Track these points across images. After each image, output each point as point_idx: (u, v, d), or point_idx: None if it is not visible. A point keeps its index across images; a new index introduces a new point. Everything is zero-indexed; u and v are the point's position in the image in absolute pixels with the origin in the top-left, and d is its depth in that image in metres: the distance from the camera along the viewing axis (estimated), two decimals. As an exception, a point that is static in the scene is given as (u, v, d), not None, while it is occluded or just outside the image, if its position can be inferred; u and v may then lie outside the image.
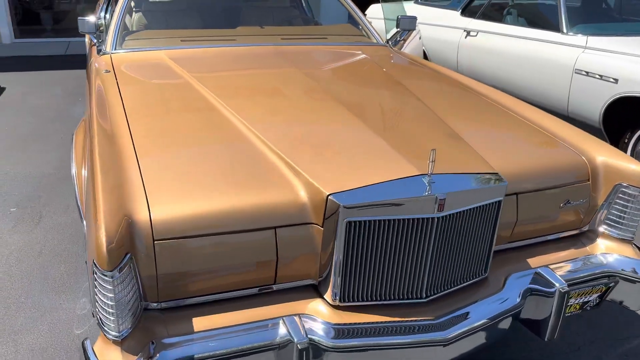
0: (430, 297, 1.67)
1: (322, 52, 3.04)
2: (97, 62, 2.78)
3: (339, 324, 1.55)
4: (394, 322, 1.59)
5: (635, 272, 1.92)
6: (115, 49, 2.92)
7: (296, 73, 2.51)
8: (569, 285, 1.81)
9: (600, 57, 3.70)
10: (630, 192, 1.90)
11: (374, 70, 2.74)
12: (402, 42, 4.03)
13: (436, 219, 1.55)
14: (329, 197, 1.51)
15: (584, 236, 2.04)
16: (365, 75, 2.64)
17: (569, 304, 1.91)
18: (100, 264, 1.30)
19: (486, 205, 1.64)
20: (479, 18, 5.04)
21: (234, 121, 1.97)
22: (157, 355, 1.40)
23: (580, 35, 3.95)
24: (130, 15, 3.58)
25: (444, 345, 1.57)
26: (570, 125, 2.20)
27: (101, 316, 1.38)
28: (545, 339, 1.79)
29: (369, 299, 1.63)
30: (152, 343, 1.43)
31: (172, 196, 1.51)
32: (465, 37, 5.08)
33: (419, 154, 1.70)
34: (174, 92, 2.30)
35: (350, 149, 1.75)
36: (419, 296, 1.65)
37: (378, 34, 3.51)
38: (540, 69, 4.19)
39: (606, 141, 3.84)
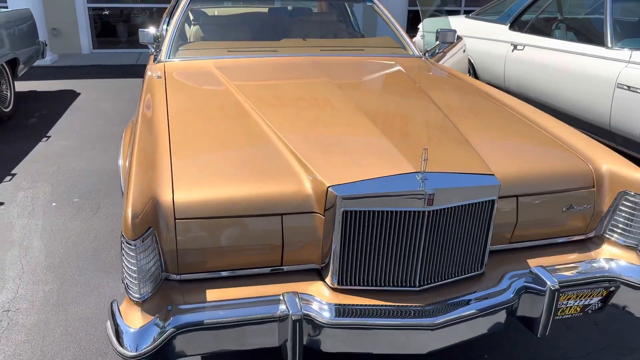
0: (424, 287, 1.80)
1: (356, 62, 3.22)
2: (152, 69, 3.10)
3: (334, 304, 1.72)
4: (385, 305, 1.74)
5: (637, 278, 1.96)
6: (168, 58, 3.24)
7: (326, 81, 2.70)
8: (565, 287, 1.90)
9: (643, 72, 3.66)
10: (635, 199, 1.95)
11: (401, 80, 2.89)
12: (440, 54, 4.15)
13: (426, 213, 1.69)
14: (329, 188, 1.68)
15: (590, 242, 2.10)
16: (391, 84, 2.80)
17: (568, 305, 1.98)
18: (126, 234, 1.54)
19: (478, 203, 1.76)
20: (526, 32, 5.06)
21: (261, 123, 2.19)
22: (172, 318, 1.62)
23: (624, 49, 3.92)
24: (189, 27, 3.93)
25: (432, 330, 1.70)
26: (581, 133, 2.26)
27: (127, 280, 1.62)
28: (538, 335, 1.88)
29: (366, 284, 1.78)
30: (169, 307, 1.65)
31: (195, 183, 1.74)
32: (512, 51, 5.11)
33: (419, 154, 1.84)
34: (214, 96, 2.56)
35: (357, 148, 1.92)
36: (413, 285, 1.79)
37: (415, 46, 3.65)
38: (583, 83, 4.17)
39: (648, 157, 3.78)
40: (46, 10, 8.92)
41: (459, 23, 6.22)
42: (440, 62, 4.42)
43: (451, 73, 3.19)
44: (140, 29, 3.58)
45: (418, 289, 1.80)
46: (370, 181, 1.69)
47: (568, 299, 1.96)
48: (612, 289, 1.98)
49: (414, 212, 1.69)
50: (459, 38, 4.84)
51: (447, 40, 3.81)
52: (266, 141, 2.04)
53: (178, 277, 1.73)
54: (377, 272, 1.77)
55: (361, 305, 1.73)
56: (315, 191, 1.73)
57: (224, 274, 1.78)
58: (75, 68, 8.40)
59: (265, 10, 4.12)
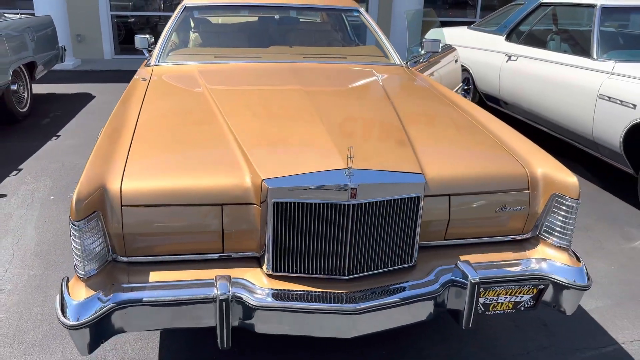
0: (353, 276, 1.93)
1: (333, 69, 3.37)
2: (140, 72, 3.31)
3: (265, 288, 1.86)
4: (312, 291, 1.87)
5: (565, 278, 2.05)
6: (158, 62, 3.45)
7: (296, 86, 2.85)
8: (491, 282, 2.00)
9: (622, 83, 3.71)
10: (565, 202, 2.05)
11: (370, 86, 3.03)
12: (425, 63, 4.26)
13: (350, 206, 1.82)
14: (263, 181, 1.83)
15: (527, 242, 2.19)
16: (359, 90, 2.94)
17: (499, 301, 2.08)
18: (71, 215, 1.72)
19: (402, 199, 1.89)
20: (521, 43, 5.13)
21: (222, 123, 2.35)
22: (112, 294, 1.79)
23: (609, 61, 3.97)
24: (191, 34, 4.15)
25: (353, 314, 1.82)
26: (526, 139, 2.36)
27: (74, 258, 1.80)
28: (462, 327, 1.98)
29: (298, 271, 1.92)
30: (112, 285, 1.82)
31: (143, 173, 1.91)
32: (507, 61, 5.19)
33: (356, 153, 1.98)
34: (188, 97, 2.74)
35: (300, 146, 2.06)
36: (342, 273, 1.92)
37: (397, 56, 3.78)
38: (569, 94, 4.23)
39: (628, 167, 3.81)
40: (71, 17, 9.34)
41: (460, 34, 6.32)
42: (431, 71, 4.53)
43: (425, 82, 3.30)
44: (136, 35, 3.82)
45: (347, 277, 1.92)
46: (300, 175, 1.83)
47: (498, 295, 2.06)
48: (541, 287, 2.07)
49: (339, 204, 1.82)
50: (452, 48, 4.94)
51: (431, 49, 3.94)
52: (222, 139, 2.19)
53: (126, 259, 1.90)
54: (309, 261, 1.90)
55: (290, 290, 1.87)
56: (254, 184, 1.88)
57: (169, 258, 1.94)
58: (95, 72, 8.77)
59: (276, 17, 4.31)
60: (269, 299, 1.84)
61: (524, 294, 2.09)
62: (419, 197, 1.91)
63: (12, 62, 5.29)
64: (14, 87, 5.53)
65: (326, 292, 1.87)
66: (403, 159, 2.01)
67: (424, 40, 3.95)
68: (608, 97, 3.79)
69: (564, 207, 2.06)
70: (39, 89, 7.15)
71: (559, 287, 2.05)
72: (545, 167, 2.13)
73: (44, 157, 4.70)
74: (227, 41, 3.96)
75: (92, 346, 1.80)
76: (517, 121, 6.01)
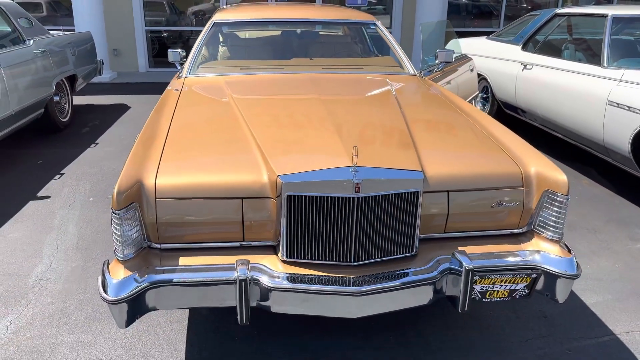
0: (359, 263, 2.15)
1: (350, 79, 3.61)
2: (173, 83, 3.62)
3: (279, 272, 2.10)
4: (322, 275, 2.10)
5: (557, 267, 2.22)
6: (189, 74, 3.75)
7: (314, 95, 3.10)
8: (486, 270, 2.19)
9: (631, 90, 3.85)
10: (556, 198, 2.23)
11: (383, 94, 3.25)
12: (440, 73, 4.46)
13: (355, 199, 2.05)
14: (278, 177, 2.08)
15: (522, 236, 2.37)
16: (372, 97, 3.17)
17: (495, 289, 2.27)
18: (112, 205, 2.00)
19: (402, 193, 2.10)
20: (536, 52, 5.28)
21: (244, 127, 2.60)
22: (147, 275, 2.05)
23: (619, 69, 4.10)
24: (221, 48, 4.46)
25: (357, 296, 2.04)
26: (522, 141, 2.55)
27: (114, 243, 2.07)
28: (459, 311, 2.17)
29: (310, 257, 2.15)
30: (147, 267, 2.08)
31: (175, 171, 2.17)
32: (522, 70, 5.34)
33: (361, 152, 2.21)
34: (216, 105, 3.02)
35: (312, 147, 2.30)
36: (349, 260, 2.14)
37: (411, 66, 4.00)
38: (580, 101, 4.37)
39: (637, 171, 3.93)
40: (108, 32, 9.85)
41: (478, 43, 6.49)
42: (446, 80, 4.73)
43: (436, 90, 3.51)
44: (169, 50, 4.14)
45: (354, 264, 2.15)
46: (311, 172, 2.07)
47: (493, 283, 2.25)
48: (534, 276, 2.25)
49: (345, 197, 2.05)
50: (467, 57, 5.13)
51: (445, 59, 4.15)
52: (244, 142, 2.45)
53: (159, 246, 2.17)
54: (319, 248, 2.13)
55: (302, 274, 2.10)
56: (270, 180, 2.13)
57: (197, 245, 2.20)
58: (130, 85, 9.23)
59: (297, 31, 4.59)
60: (283, 282, 2.07)
61: (518, 282, 2.27)
62: (417, 192, 2.12)
63: (55, 75, 5.71)
64: (56, 99, 5.95)
65: (334, 275, 2.10)
66: (405, 158, 2.23)
67: (437, 50, 4.16)
68: (617, 103, 3.92)
69: (555, 203, 2.24)
70: (78, 100, 7.60)
71: (551, 277, 2.23)
72: (538, 166, 2.31)
73: (84, 162, 5.06)
74: (253, 54, 4.25)
75: (129, 320, 2.06)
76: (534, 129, 6.14)
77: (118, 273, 2.05)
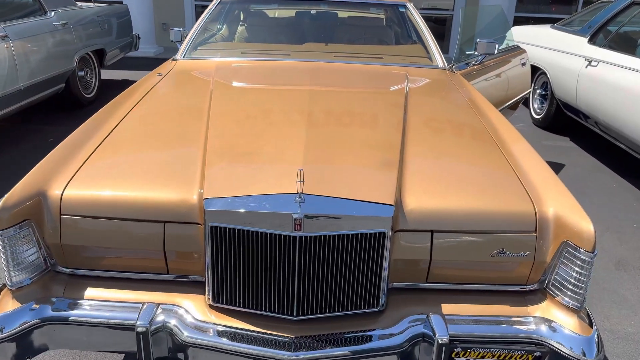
0: (302, 317, 1.67)
1: (358, 70, 3.07)
2: (161, 67, 3.22)
3: (198, 320, 1.66)
4: (252, 331, 1.64)
5: (569, 347, 1.65)
6: (184, 57, 3.34)
7: (306, 89, 2.59)
8: (475, 342, 1.66)
9: None
10: (577, 254, 1.64)
11: (390, 92, 2.70)
12: (479, 66, 3.80)
13: (297, 238, 1.56)
14: (204, 200, 1.63)
15: (531, 294, 1.80)
16: (374, 96, 2.63)
17: (484, 364, 1.73)
18: (-4, 224, 1.62)
19: (364, 234, 1.59)
20: (605, 47, 4.48)
21: (202, 128, 2.14)
22: (37, 307, 1.67)
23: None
24: (222, 28, 4.03)
25: (290, 365, 1.57)
26: (548, 170, 1.95)
27: (3, 266, 1.70)
28: (429, 393, 1.66)
29: (242, 305, 1.69)
30: (43, 298, 1.70)
31: (90, 182, 1.76)
32: (586, 67, 4.56)
33: (319, 174, 1.71)
34: (188, 97, 2.59)
35: (266, 160, 1.82)
36: (290, 313, 1.67)
37: (441, 58, 3.40)
38: (651, 108, 3.60)
39: None
40: (156, 6, 9.66)
41: (540, 33, 5.69)
42: (494, 73, 4.06)
43: (462, 90, 2.91)
44: (171, 28, 3.74)
45: (295, 318, 1.67)
46: (240, 198, 1.60)
47: (481, 357, 1.71)
48: (537, 354, 1.69)
49: (284, 236, 1.57)
50: (519, 49, 4.42)
51: (485, 51, 3.52)
52: (191, 147, 2.00)
53: (67, 270, 1.78)
54: (251, 295, 1.67)
55: (226, 326, 1.65)
56: (200, 201, 1.68)
57: (113, 274, 1.79)
58: (173, 60, 9.01)
59: (312, 12, 4.08)
60: (200, 335, 1.63)
61: (516, 359, 1.72)
62: (384, 234, 1.61)
63: (78, 49, 5.49)
64: (81, 74, 5.75)
65: (267, 334, 1.63)
66: (378, 184, 1.71)
67: (477, 40, 3.53)
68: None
69: (574, 259, 1.66)
70: (114, 75, 7.44)
71: (560, 358, 1.66)
72: (558, 206, 1.73)
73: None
74: (261, 36, 3.79)
75: (17, 361, 1.70)
76: (598, 137, 5.33)
77: (5, 304, 1.68)
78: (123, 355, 2.28)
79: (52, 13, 5.19)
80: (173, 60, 3.33)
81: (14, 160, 4.35)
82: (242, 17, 4.24)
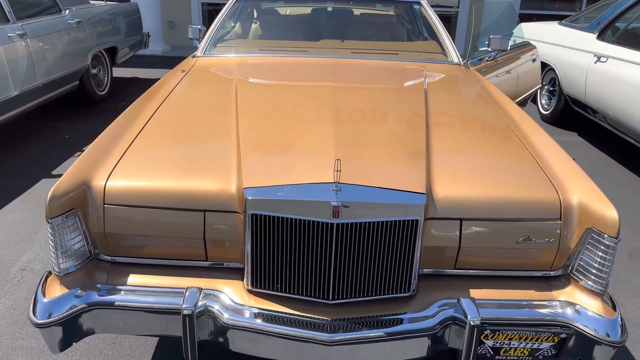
0: (338, 301, 1.74)
1: (376, 66, 3.14)
2: (183, 63, 3.29)
3: (238, 304, 1.73)
4: (289, 314, 1.71)
5: (594, 329, 1.72)
6: (204, 54, 3.41)
7: (328, 85, 2.66)
8: (499, 324, 1.73)
9: None
10: (601, 240, 1.71)
11: (409, 87, 2.77)
12: (492, 62, 3.87)
13: (334, 225, 1.63)
14: (244, 189, 1.70)
15: (555, 280, 1.87)
16: (394, 91, 2.69)
17: (512, 346, 1.80)
18: (45, 213, 1.69)
19: (397, 221, 1.66)
20: (613, 43, 4.55)
21: (233, 122, 2.22)
22: (85, 294, 1.74)
23: None
24: (240, 25, 4.09)
25: (328, 345, 1.65)
26: (570, 161, 2.03)
27: (51, 254, 1.77)
28: (460, 372, 1.73)
29: (280, 290, 1.76)
30: (88, 284, 1.77)
31: (132, 173, 1.83)
32: (595, 63, 4.62)
33: (353, 165, 1.78)
34: (214, 93, 2.65)
35: (299, 152, 1.89)
36: (326, 297, 1.74)
37: (456, 54, 3.46)
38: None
39: None
40: (163, 4, 9.72)
41: (548, 29, 5.75)
42: (505, 69, 4.13)
43: (479, 85, 2.98)
44: (190, 26, 3.81)
45: (331, 302, 1.74)
46: (281, 187, 1.67)
47: (509, 339, 1.78)
48: (563, 335, 1.76)
49: (322, 223, 1.64)
50: (530, 45, 4.49)
51: (498, 47, 3.59)
52: (225, 139, 2.07)
53: (109, 257, 1.85)
54: (289, 280, 1.75)
55: (265, 309, 1.73)
56: (239, 191, 1.75)
57: (154, 261, 1.87)
58: (181, 58, 9.05)
59: (328, 9, 4.15)
60: (241, 318, 1.70)
61: (542, 341, 1.79)
62: (417, 221, 1.68)
63: (91, 47, 5.56)
64: (94, 71, 5.82)
65: (304, 317, 1.71)
66: (408, 174, 1.78)
67: (490, 37, 3.59)
68: None
69: (600, 247, 1.73)
70: (123, 72, 7.51)
71: (586, 339, 1.73)
72: (583, 194, 1.80)
73: (109, 139, 4.89)
74: (277, 33, 3.85)
75: (64, 345, 1.77)
76: (612, 134, 5.39)
77: (53, 290, 1.76)
78: (157, 339, 2.35)
79: (67, 11, 5.26)
80: (194, 57, 3.40)
81: (34, 157, 4.43)
82: (255, 14, 4.30)
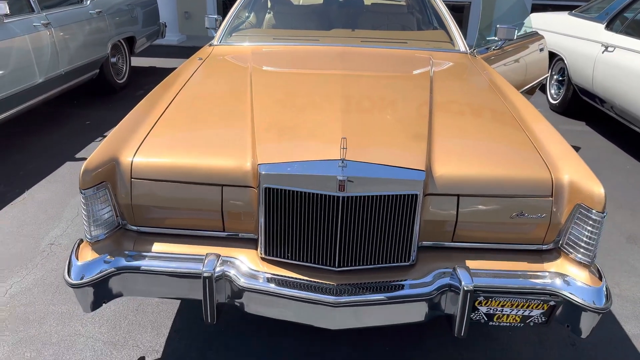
0: (343, 268, 1.90)
1: (385, 54, 3.28)
2: (200, 52, 3.45)
3: (253, 269, 1.90)
4: (299, 279, 1.88)
5: (581, 297, 1.86)
6: (220, 42, 3.57)
7: (336, 71, 2.81)
8: (491, 292, 1.88)
9: None
10: (589, 215, 1.85)
11: (416, 74, 2.91)
12: (499, 51, 3.97)
13: (340, 198, 1.79)
14: (258, 165, 1.86)
15: (547, 253, 2.01)
16: (401, 77, 2.83)
17: (504, 312, 1.95)
18: (79, 184, 1.87)
19: (398, 195, 1.81)
20: (621, 33, 4.62)
21: (247, 106, 2.38)
22: (114, 259, 1.92)
23: None
24: (254, 15, 4.24)
25: (334, 307, 1.81)
26: (564, 142, 2.15)
27: (83, 223, 1.95)
28: (455, 335, 1.88)
29: (290, 257, 1.93)
30: (116, 250, 1.95)
31: (156, 150, 2.00)
32: (603, 52, 4.70)
33: (359, 144, 1.93)
34: (230, 79, 2.82)
35: (309, 133, 2.05)
36: (332, 264, 1.90)
37: (463, 43, 3.58)
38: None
39: None
40: (179, -6, 9.89)
41: (557, 19, 5.82)
42: (513, 58, 4.23)
43: (483, 72, 3.10)
44: (207, 15, 3.97)
45: (337, 269, 1.90)
46: (292, 163, 1.83)
47: (502, 306, 1.93)
48: (552, 303, 1.90)
49: (329, 196, 1.80)
50: (538, 35, 4.58)
51: (505, 37, 3.69)
52: (241, 121, 2.23)
53: (135, 228, 2.03)
54: (299, 249, 1.91)
55: (277, 275, 1.89)
56: (253, 167, 1.91)
57: (176, 231, 2.04)
58: (196, 48, 9.22)
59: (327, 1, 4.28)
60: (256, 281, 1.87)
61: (532, 308, 1.93)
62: (416, 195, 1.83)
63: (111, 36, 5.75)
64: (113, 60, 6.01)
65: (312, 281, 1.87)
66: (409, 153, 1.93)
67: (497, 26, 3.70)
68: None
69: (588, 221, 1.86)
70: (141, 62, 7.70)
71: (573, 307, 1.88)
72: (573, 173, 1.93)
73: (128, 126, 5.08)
74: (290, 22, 4.00)
75: (95, 305, 1.96)
76: (613, 122, 5.46)
77: (85, 255, 1.94)
78: (177, 307, 2.53)
79: (88, 1, 5.44)
80: (210, 45, 3.56)
81: (58, 141, 4.63)
82: (269, 4, 4.44)
